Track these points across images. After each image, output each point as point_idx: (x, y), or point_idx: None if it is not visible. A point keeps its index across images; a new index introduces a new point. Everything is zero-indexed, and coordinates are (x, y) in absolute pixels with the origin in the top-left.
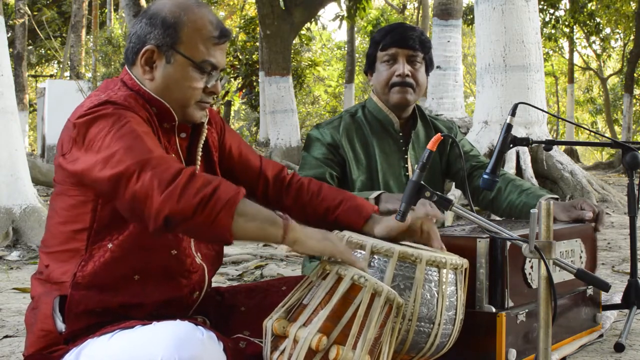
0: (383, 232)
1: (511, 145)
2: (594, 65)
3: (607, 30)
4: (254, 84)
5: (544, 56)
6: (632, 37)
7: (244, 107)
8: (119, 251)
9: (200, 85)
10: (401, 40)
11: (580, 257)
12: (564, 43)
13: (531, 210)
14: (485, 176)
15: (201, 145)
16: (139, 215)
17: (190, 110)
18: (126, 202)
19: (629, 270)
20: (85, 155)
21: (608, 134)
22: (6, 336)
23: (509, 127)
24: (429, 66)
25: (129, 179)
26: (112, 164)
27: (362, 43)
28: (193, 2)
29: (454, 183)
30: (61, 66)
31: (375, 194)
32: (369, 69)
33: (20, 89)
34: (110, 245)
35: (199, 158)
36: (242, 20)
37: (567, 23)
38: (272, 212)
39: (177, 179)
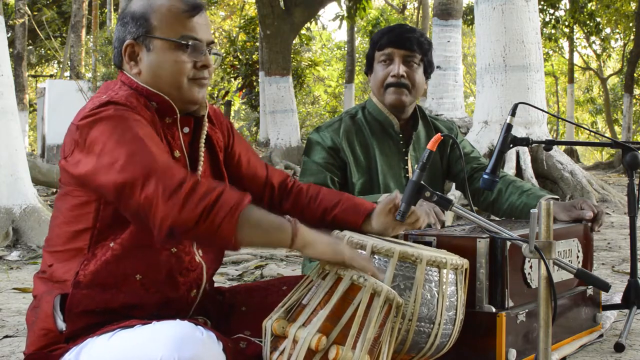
0: (380, 227)
1: (511, 145)
2: (594, 65)
3: (607, 30)
4: (254, 84)
5: (544, 56)
6: (632, 37)
7: (244, 107)
8: (120, 249)
9: (185, 59)
10: (397, 41)
11: (578, 257)
12: (564, 43)
13: (531, 210)
14: (485, 176)
15: (203, 140)
16: (144, 223)
17: (185, 89)
18: (131, 210)
19: (629, 270)
20: (87, 158)
21: (608, 134)
22: (6, 336)
23: (509, 127)
24: (428, 68)
25: (133, 188)
26: (115, 171)
27: (362, 43)
28: None
29: (454, 184)
30: (61, 66)
31: (383, 197)
32: (368, 70)
33: (20, 89)
34: (112, 244)
35: (202, 154)
36: (242, 20)
37: (567, 23)
38: (280, 217)
39: (181, 189)
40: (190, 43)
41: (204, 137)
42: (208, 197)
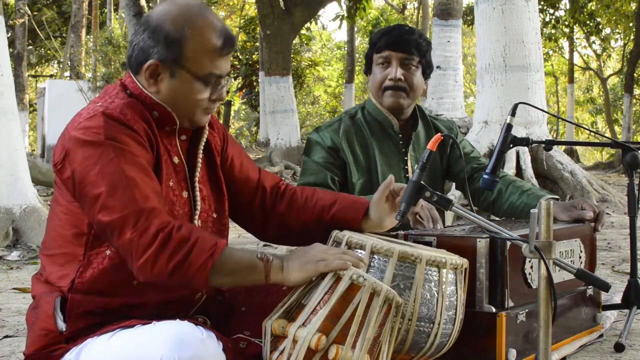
0: (379, 215)
1: (511, 145)
2: (594, 65)
3: (607, 30)
4: (254, 84)
5: (544, 56)
6: (632, 37)
7: (244, 107)
8: (117, 257)
9: (206, 96)
10: (395, 44)
11: (580, 257)
12: (564, 43)
13: (531, 210)
14: (485, 176)
15: (202, 148)
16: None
17: (196, 117)
18: (115, 248)
19: (629, 270)
20: (74, 178)
21: (608, 134)
22: (6, 336)
23: (509, 127)
24: (427, 69)
25: (112, 232)
26: (97, 208)
27: (362, 43)
28: (196, 10)
29: (454, 184)
30: (61, 66)
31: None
32: (368, 70)
33: (20, 89)
34: (108, 252)
35: (200, 160)
36: (242, 20)
37: (567, 23)
38: (254, 257)
39: (153, 245)
40: (214, 81)
41: (203, 144)
42: (180, 252)
